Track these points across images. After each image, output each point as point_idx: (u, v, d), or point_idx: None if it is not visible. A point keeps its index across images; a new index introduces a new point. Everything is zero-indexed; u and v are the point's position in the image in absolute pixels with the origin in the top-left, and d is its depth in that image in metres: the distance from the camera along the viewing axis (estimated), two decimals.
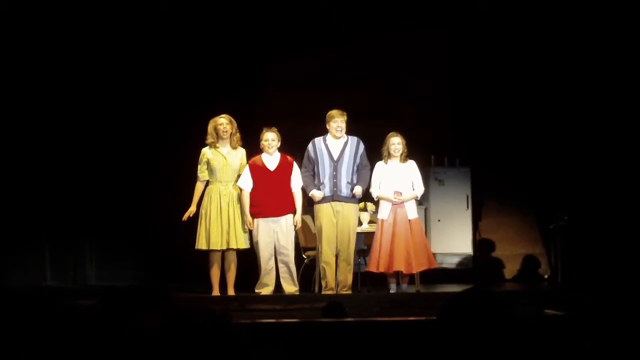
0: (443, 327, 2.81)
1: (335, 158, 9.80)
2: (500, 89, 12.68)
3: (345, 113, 9.86)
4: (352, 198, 9.81)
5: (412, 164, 10.09)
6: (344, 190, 9.76)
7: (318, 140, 9.91)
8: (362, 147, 9.92)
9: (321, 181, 9.78)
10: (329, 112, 9.87)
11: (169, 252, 11.59)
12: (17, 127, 11.49)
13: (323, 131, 9.97)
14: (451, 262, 12.71)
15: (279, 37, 12.46)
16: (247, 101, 12.17)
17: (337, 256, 9.75)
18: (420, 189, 10.10)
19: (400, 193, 9.94)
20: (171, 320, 2.57)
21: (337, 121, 9.78)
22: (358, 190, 9.78)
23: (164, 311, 2.66)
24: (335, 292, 9.64)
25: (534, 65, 12.50)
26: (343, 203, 9.75)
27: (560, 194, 12.22)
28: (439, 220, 12.76)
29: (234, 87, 12.30)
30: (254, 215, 9.63)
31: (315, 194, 9.77)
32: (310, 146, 9.91)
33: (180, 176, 10.56)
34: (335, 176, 9.76)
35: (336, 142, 9.85)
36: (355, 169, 9.83)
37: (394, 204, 9.90)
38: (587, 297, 8.48)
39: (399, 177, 9.98)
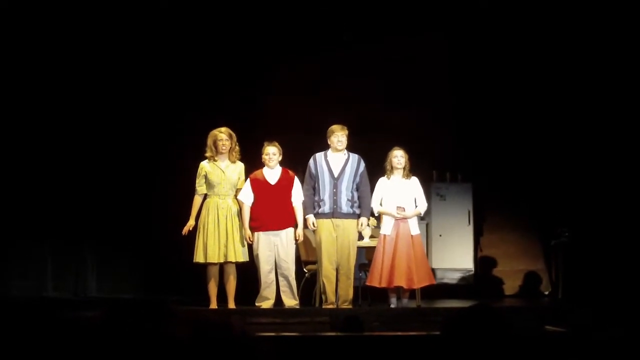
0: (447, 343, 2.81)
1: (335, 175, 9.80)
2: (503, 105, 12.68)
3: (345, 127, 9.88)
4: (352, 214, 9.81)
5: (414, 181, 10.07)
6: (344, 208, 9.76)
7: (319, 156, 9.92)
8: (362, 165, 9.92)
9: (321, 198, 9.78)
10: (331, 127, 9.89)
11: (169, 265, 11.58)
12: (19, 138, 11.51)
13: (324, 144, 9.99)
14: (452, 278, 12.69)
15: (279, 49, 12.46)
16: (247, 113, 12.16)
17: (337, 270, 9.75)
18: (423, 206, 10.09)
19: (403, 209, 9.93)
20: (197, 332, 2.59)
21: (338, 135, 9.80)
22: (363, 222, 9.82)
23: (177, 324, 2.67)
24: (335, 306, 9.63)
25: (536, 81, 12.50)
26: (343, 219, 9.77)
27: (561, 211, 12.22)
28: (440, 236, 12.74)
29: (234, 99, 12.29)
30: (255, 229, 9.64)
31: (310, 220, 9.79)
32: (311, 162, 9.92)
33: (180, 188, 10.55)
34: (335, 193, 9.77)
35: (337, 158, 9.85)
36: (355, 186, 9.84)
37: (396, 219, 9.90)
38: (587, 314, 8.48)
39: (401, 193, 9.96)
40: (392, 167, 10.00)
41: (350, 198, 9.79)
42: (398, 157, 9.97)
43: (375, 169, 10.17)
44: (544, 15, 12.16)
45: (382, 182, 10.05)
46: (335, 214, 9.75)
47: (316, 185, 9.86)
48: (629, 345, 3.96)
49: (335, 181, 9.79)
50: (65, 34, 11.66)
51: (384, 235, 9.91)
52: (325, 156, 9.91)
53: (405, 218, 9.90)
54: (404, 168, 9.98)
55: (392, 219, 9.91)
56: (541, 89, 12.51)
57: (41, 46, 11.59)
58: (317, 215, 9.81)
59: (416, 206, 10.04)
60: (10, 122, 11.48)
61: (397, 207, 9.92)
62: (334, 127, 9.88)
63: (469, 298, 11.75)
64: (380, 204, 10.00)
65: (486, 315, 2.80)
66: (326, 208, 9.76)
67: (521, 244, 12.96)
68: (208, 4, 12.11)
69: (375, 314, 9.17)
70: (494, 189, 12.82)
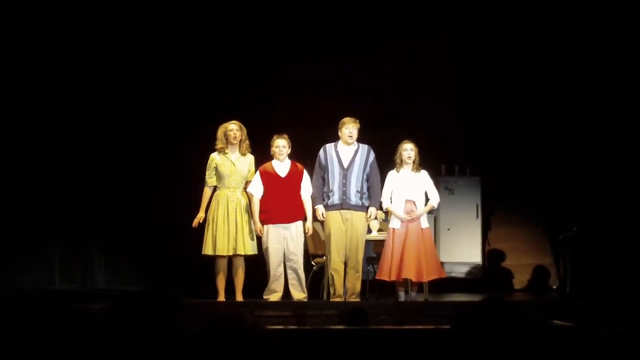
0: (457, 337, 2.81)
1: (345, 166, 9.80)
2: (511, 99, 12.66)
3: (357, 120, 9.86)
4: (361, 206, 9.81)
5: (424, 174, 10.04)
6: (353, 199, 9.75)
7: (329, 147, 9.92)
8: (372, 156, 9.91)
9: (330, 189, 9.78)
10: (342, 119, 9.89)
11: (177, 257, 11.59)
12: (28, 134, 11.55)
13: (333, 138, 9.99)
14: (460, 271, 12.68)
15: (288, 43, 12.45)
16: (257, 107, 12.16)
17: (345, 263, 9.75)
18: (435, 199, 10.06)
19: (413, 202, 9.90)
20: (209, 325, 2.59)
21: (349, 127, 9.79)
22: (372, 212, 9.81)
23: (180, 316, 2.68)
24: (343, 299, 9.64)
25: (544, 75, 12.48)
26: (352, 211, 9.76)
27: (569, 205, 12.20)
28: (448, 229, 12.73)
29: (243, 93, 12.28)
30: (264, 221, 9.64)
31: (319, 210, 9.79)
32: (321, 153, 9.92)
33: (189, 181, 10.58)
34: (344, 184, 9.76)
35: (347, 150, 9.85)
36: (365, 177, 9.83)
37: (403, 221, 9.88)
38: (595, 309, 8.47)
39: (411, 186, 9.94)
40: (401, 161, 9.97)
41: (359, 189, 9.78)
42: (408, 150, 9.94)
43: (384, 163, 10.16)
44: (552, 9, 12.13)
45: (391, 175, 10.03)
46: (344, 204, 9.74)
47: (325, 176, 9.85)
48: (636, 340, 3.95)
49: (345, 172, 9.78)
50: (72, 33, 11.70)
51: (393, 228, 9.90)
52: (336, 147, 9.89)
53: (413, 220, 9.87)
54: (414, 162, 9.96)
55: (401, 212, 9.89)
56: (549, 83, 12.48)
57: (43, 47, 11.62)
58: (326, 207, 9.80)
59: (427, 199, 10.02)
60: (16, 119, 11.52)
61: (407, 200, 9.90)
62: (346, 119, 9.86)
63: (476, 292, 11.74)
64: (390, 200, 9.98)
65: (498, 310, 2.80)
66: (335, 199, 9.75)
67: (529, 238, 12.95)
68: (218, 3, 12.11)
69: (383, 307, 9.18)
70: (503, 183, 12.81)
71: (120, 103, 12.05)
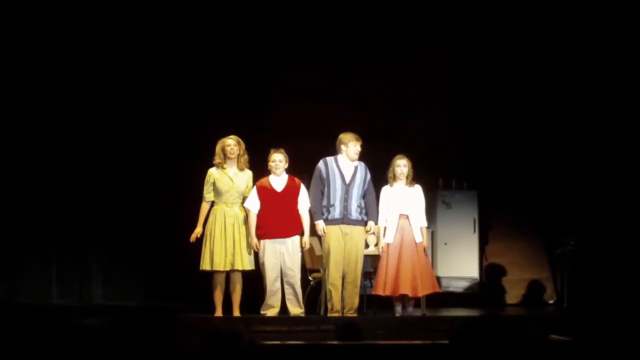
0: (456, 351, 2.81)
1: (347, 181, 9.76)
2: (509, 113, 12.68)
3: (359, 137, 9.82)
4: (361, 221, 9.79)
5: (418, 189, 10.03)
6: (354, 214, 9.73)
7: (330, 161, 9.85)
8: (369, 173, 9.90)
9: (331, 203, 9.74)
10: (345, 135, 9.77)
11: (175, 272, 11.58)
12: (26, 145, 11.54)
13: (329, 151, 9.95)
14: (457, 286, 12.68)
15: (286, 55, 12.48)
16: (253, 119, 12.18)
17: (343, 278, 9.73)
18: (424, 221, 10.05)
19: (407, 217, 9.89)
20: (206, 341, 2.59)
21: (357, 145, 9.71)
22: (371, 225, 9.81)
23: (174, 332, 2.68)
24: (341, 314, 9.61)
25: (542, 90, 12.50)
26: (352, 226, 9.74)
27: (567, 219, 12.21)
28: (445, 244, 12.73)
29: (239, 106, 12.30)
30: (261, 236, 9.61)
31: (320, 225, 9.77)
32: (321, 165, 9.84)
33: (187, 195, 10.56)
34: (346, 199, 9.72)
35: (349, 165, 9.80)
36: (363, 193, 9.83)
37: (398, 228, 9.90)
38: (593, 323, 8.47)
39: (404, 200, 9.93)
40: (394, 176, 9.98)
41: (359, 205, 9.77)
42: (401, 166, 9.94)
43: (379, 176, 10.15)
44: (552, 24, 12.16)
45: (385, 190, 10.02)
46: (345, 219, 9.71)
47: (326, 189, 9.80)
48: (634, 354, 3.95)
49: (347, 187, 9.74)
50: (73, 36, 11.71)
51: (388, 243, 9.90)
52: (336, 161, 9.83)
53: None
54: (407, 176, 9.96)
55: (395, 226, 9.89)
56: (547, 98, 12.51)
57: (44, 48, 11.63)
58: (326, 221, 9.75)
59: (417, 214, 10.01)
60: (16, 126, 11.51)
61: (401, 214, 9.90)
62: (350, 136, 9.77)
63: (474, 307, 11.75)
64: (385, 220, 9.97)
65: (496, 325, 2.80)
66: (336, 213, 9.71)
67: (527, 252, 12.96)
68: (216, 11, 12.13)
69: (380, 322, 9.16)
70: (500, 197, 12.82)
71: (120, 117, 12.04)
